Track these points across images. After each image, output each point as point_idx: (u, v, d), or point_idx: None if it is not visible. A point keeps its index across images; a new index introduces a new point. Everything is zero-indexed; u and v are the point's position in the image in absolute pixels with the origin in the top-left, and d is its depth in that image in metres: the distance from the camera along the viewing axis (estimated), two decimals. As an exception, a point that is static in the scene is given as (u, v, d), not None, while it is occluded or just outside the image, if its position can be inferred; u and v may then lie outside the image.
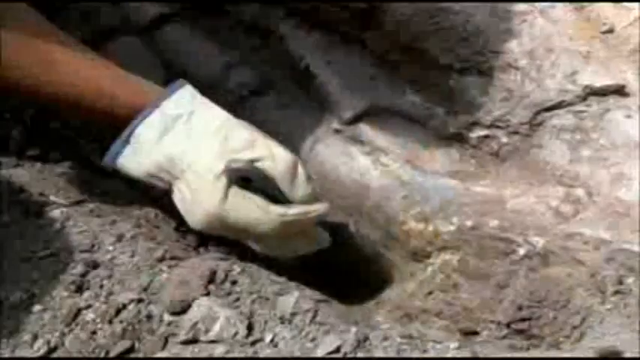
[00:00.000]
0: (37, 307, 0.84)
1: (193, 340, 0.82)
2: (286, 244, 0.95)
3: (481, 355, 0.81)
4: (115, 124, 0.93)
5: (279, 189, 0.92)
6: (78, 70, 0.93)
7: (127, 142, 0.92)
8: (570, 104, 1.03)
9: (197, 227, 0.93)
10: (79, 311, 0.84)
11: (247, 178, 0.92)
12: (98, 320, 0.83)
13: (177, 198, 0.94)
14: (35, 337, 0.81)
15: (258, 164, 0.91)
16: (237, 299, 0.85)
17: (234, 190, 0.90)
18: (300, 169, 0.93)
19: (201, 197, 0.90)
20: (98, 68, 0.94)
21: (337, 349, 0.80)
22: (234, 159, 0.90)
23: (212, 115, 0.93)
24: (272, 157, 0.91)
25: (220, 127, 0.92)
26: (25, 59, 0.91)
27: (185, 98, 0.93)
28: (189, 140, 0.91)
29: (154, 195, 1.03)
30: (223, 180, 0.90)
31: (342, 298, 0.95)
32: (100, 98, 0.93)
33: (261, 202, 0.91)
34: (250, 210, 0.90)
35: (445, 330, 0.93)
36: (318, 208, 0.94)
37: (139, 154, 0.92)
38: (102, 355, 0.81)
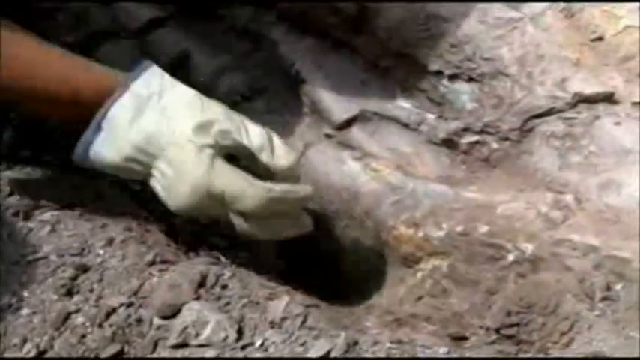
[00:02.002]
0: (26, 311, 0.83)
1: (183, 344, 0.82)
2: (269, 224, 0.92)
3: (470, 360, 0.81)
4: (81, 113, 0.90)
5: (262, 163, 0.91)
6: (34, 59, 0.90)
7: (99, 128, 0.89)
8: (560, 111, 1.03)
9: (181, 204, 0.89)
10: (68, 315, 0.84)
11: (230, 156, 0.90)
12: (88, 324, 0.83)
13: (157, 180, 0.90)
14: (24, 341, 0.81)
15: (236, 136, 0.90)
16: (228, 303, 0.85)
17: (220, 161, 0.89)
18: (278, 142, 0.92)
19: (185, 169, 0.88)
20: (57, 56, 0.91)
21: (327, 354, 0.80)
22: (221, 135, 0.89)
23: (182, 91, 0.92)
24: (247, 130, 0.91)
25: (193, 100, 0.91)
26: None
27: (154, 77, 0.91)
28: (164, 117, 0.89)
29: (145, 197, 1.03)
30: (208, 151, 0.88)
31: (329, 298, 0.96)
32: (63, 85, 0.89)
33: (247, 176, 0.89)
34: (236, 181, 0.88)
35: (434, 335, 0.93)
36: (304, 188, 0.93)
37: (114, 139, 0.89)
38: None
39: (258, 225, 0.91)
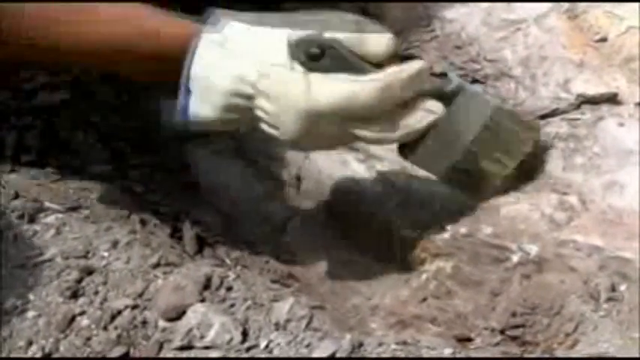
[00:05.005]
0: (31, 313, 0.84)
1: (188, 347, 0.82)
2: (395, 122, 0.84)
3: (475, 362, 0.81)
4: (162, 65, 0.84)
5: (354, 53, 0.81)
6: (113, 16, 0.85)
7: (188, 91, 0.84)
8: (564, 112, 1.04)
9: (294, 135, 0.82)
10: (73, 317, 0.84)
11: (315, 56, 0.80)
12: (93, 326, 0.83)
13: (261, 121, 0.84)
14: (30, 343, 0.81)
15: (317, 37, 0.81)
16: (232, 305, 0.85)
17: (314, 76, 0.80)
18: (370, 25, 0.83)
19: (284, 100, 0.80)
20: (133, 11, 0.86)
21: (332, 355, 0.80)
22: (304, 42, 0.79)
23: (244, 25, 0.84)
24: (327, 23, 0.82)
25: (257, 32, 0.83)
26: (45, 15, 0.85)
27: (217, 20, 0.84)
28: (245, 57, 0.82)
29: (149, 198, 1.03)
30: (298, 68, 0.80)
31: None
32: (146, 39, 0.84)
33: (346, 76, 0.80)
34: (339, 88, 0.80)
35: (439, 336, 0.93)
36: (413, 65, 0.83)
37: (206, 94, 0.83)
38: (97, 360, 0.81)
39: (384, 126, 0.83)
